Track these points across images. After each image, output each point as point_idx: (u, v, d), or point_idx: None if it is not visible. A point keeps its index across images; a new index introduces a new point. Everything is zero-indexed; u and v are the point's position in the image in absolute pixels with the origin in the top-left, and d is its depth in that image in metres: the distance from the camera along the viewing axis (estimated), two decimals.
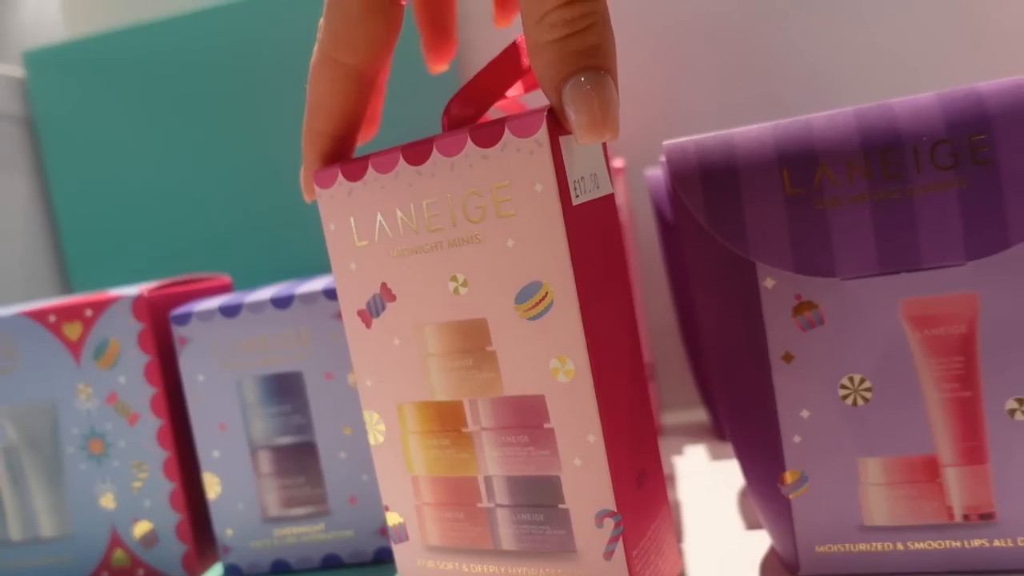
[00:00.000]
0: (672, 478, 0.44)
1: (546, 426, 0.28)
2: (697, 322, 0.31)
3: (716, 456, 0.47)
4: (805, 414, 0.29)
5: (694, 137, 0.30)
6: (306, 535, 0.40)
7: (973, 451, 0.28)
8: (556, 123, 0.27)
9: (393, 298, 0.30)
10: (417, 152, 0.29)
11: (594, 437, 0.28)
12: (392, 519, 0.32)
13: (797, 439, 0.29)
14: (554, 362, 0.28)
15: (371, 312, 0.31)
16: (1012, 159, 0.26)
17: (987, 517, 0.28)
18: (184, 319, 0.40)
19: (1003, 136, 0.26)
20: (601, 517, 0.28)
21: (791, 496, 0.30)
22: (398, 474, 0.31)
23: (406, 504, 0.31)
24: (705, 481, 0.43)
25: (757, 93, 0.55)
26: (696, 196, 0.29)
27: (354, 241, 0.30)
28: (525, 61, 0.30)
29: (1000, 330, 0.27)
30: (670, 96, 0.57)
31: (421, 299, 0.29)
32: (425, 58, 0.38)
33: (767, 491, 0.30)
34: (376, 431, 0.32)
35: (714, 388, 0.31)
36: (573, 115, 0.25)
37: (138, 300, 0.41)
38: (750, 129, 0.29)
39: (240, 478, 0.40)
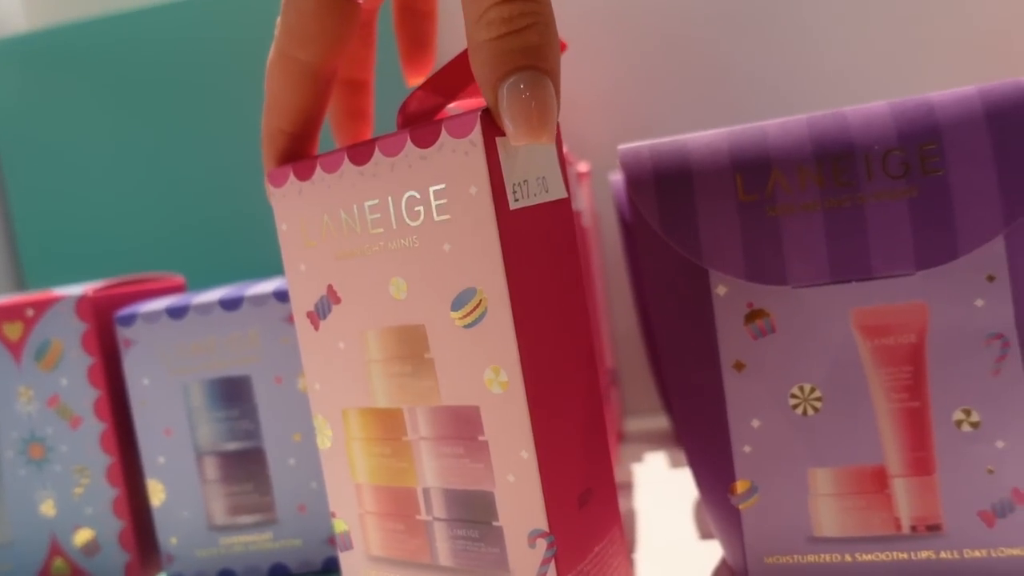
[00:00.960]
0: (629, 485, 0.44)
1: (480, 438, 0.27)
2: (653, 328, 0.30)
3: (676, 464, 0.47)
4: (756, 423, 0.29)
5: (650, 142, 0.30)
6: (253, 544, 0.39)
7: (921, 462, 0.27)
8: (492, 124, 0.26)
9: (338, 300, 0.29)
10: (361, 152, 0.28)
11: (527, 453, 0.26)
12: (339, 526, 0.31)
13: (747, 449, 0.29)
14: (488, 372, 0.27)
15: (319, 314, 0.30)
16: (961, 169, 0.26)
17: (934, 529, 0.28)
18: (129, 320, 0.39)
19: (953, 146, 0.26)
20: (533, 537, 0.27)
21: (741, 506, 0.29)
22: (344, 481, 0.30)
23: (351, 512, 0.31)
24: (662, 489, 0.43)
25: (725, 100, 0.55)
26: (650, 201, 0.29)
27: (304, 241, 0.30)
28: None
29: (948, 340, 0.27)
30: (639, 100, 0.56)
31: (364, 303, 0.29)
32: (403, 69, 0.37)
33: (717, 501, 0.30)
34: (324, 436, 0.31)
35: (668, 395, 0.31)
36: (507, 117, 0.24)
37: (82, 300, 0.40)
38: (705, 134, 0.29)
39: (185, 485, 0.39)
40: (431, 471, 0.29)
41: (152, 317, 0.39)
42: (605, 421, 0.30)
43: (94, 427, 0.40)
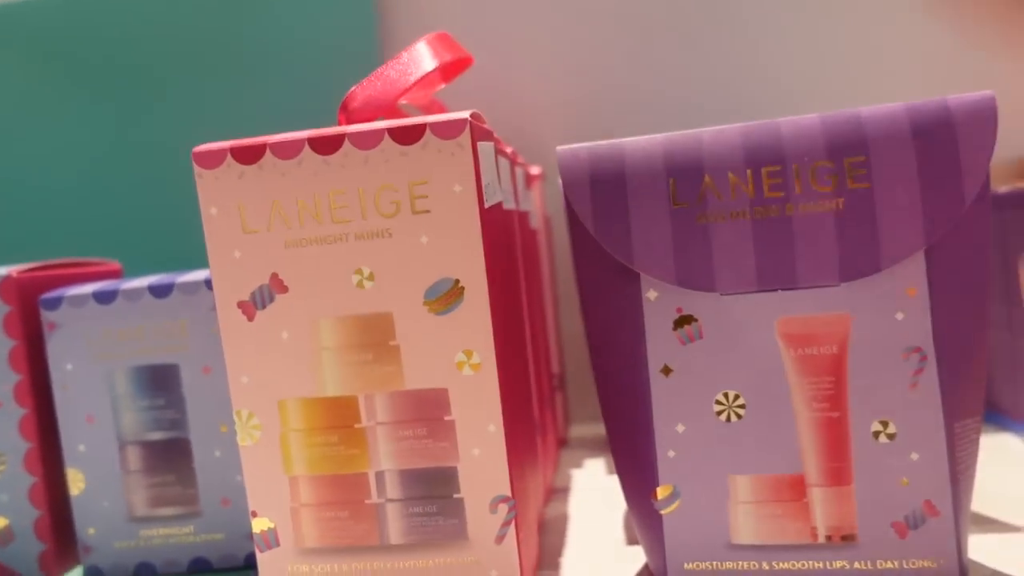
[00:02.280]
0: (566, 490, 0.45)
1: (447, 418, 0.29)
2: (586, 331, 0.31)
3: (614, 470, 0.48)
4: (680, 428, 0.30)
5: (588, 144, 0.30)
6: (174, 537, 0.37)
7: (839, 472, 0.29)
8: (477, 129, 0.27)
9: (285, 290, 0.29)
10: (326, 142, 0.28)
11: (494, 427, 0.28)
12: (260, 525, 0.30)
13: (671, 454, 0.30)
14: (460, 356, 0.28)
15: (255, 304, 0.29)
16: (886, 184, 0.28)
17: (849, 539, 0.29)
18: (54, 303, 0.37)
19: (879, 160, 0.28)
20: (496, 503, 0.29)
21: (663, 511, 0.30)
22: (272, 476, 0.30)
23: (279, 507, 0.30)
24: (598, 495, 0.44)
25: (677, 105, 0.57)
26: (585, 203, 0.30)
27: (241, 228, 0.29)
28: (423, 67, 0.30)
29: (868, 352, 0.28)
30: (594, 103, 0.58)
31: (318, 292, 0.29)
32: None
33: (641, 505, 0.31)
34: (249, 431, 0.30)
35: (600, 402, 0.32)
36: None
37: (5, 281, 0.38)
38: (642, 139, 0.30)
39: (106, 474, 0.37)
40: (387, 454, 0.29)
41: (78, 301, 0.37)
42: (533, 405, 0.32)
43: (14, 412, 0.38)
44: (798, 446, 0.29)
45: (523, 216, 0.44)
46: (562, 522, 0.40)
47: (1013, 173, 0.55)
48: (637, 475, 0.31)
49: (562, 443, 0.54)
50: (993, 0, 0.54)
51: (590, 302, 0.31)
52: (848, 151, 0.28)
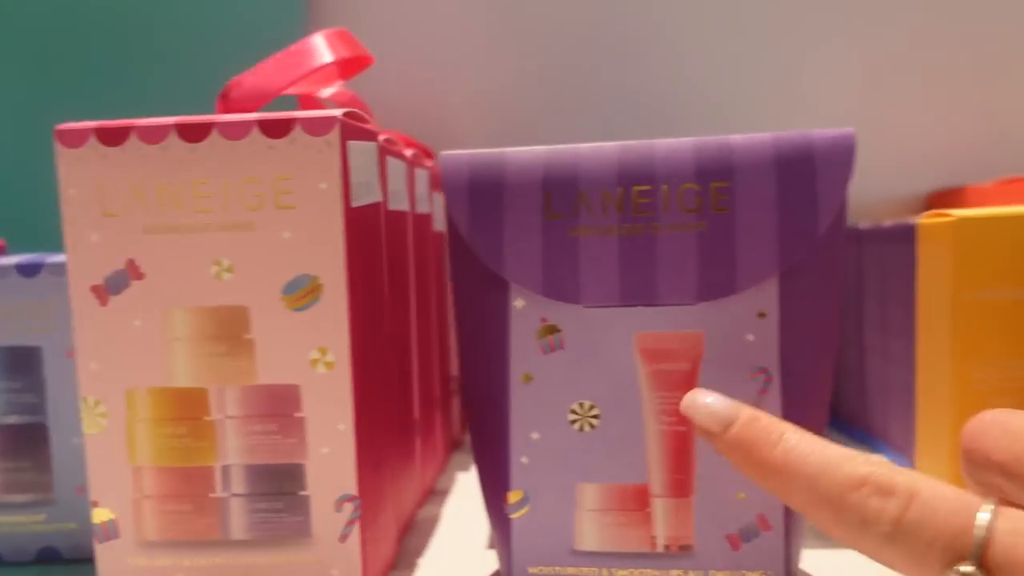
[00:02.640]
0: (446, 492, 0.45)
1: (297, 415, 0.28)
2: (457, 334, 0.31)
3: None
4: (535, 436, 0.30)
5: (471, 151, 0.31)
6: (22, 525, 0.36)
7: (681, 484, 0.30)
8: (347, 128, 0.27)
9: (140, 276, 0.28)
10: (193, 129, 0.28)
11: (344, 426, 0.28)
12: (100, 516, 0.30)
13: (525, 460, 0.30)
14: (314, 353, 0.28)
15: (109, 289, 0.29)
16: (746, 210, 0.29)
17: (686, 549, 0.30)
18: None
19: (742, 188, 0.29)
20: (342, 502, 0.29)
21: (512, 516, 0.31)
22: (116, 466, 0.29)
23: (121, 498, 0.29)
24: (475, 499, 0.44)
25: (596, 114, 0.58)
26: (462, 209, 0.30)
27: (100, 210, 0.28)
28: (313, 62, 0.30)
29: (718, 370, 0.30)
30: (514, 110, 0.58)
31: (174, 280, 0.28)
32: None
33: (495, 510, 0.31)
34: (95, 418, 0.29)
35: (465, 405, 0.32)
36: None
37: None
38: (525, 150, 0.30)
39: None
40: (234, 449, 0.29)
41: None
42: (392, 405, 0.33)
43: None
44: (645, 458, 0.30)
45: (422, 218, 0.44)
46: (432, 524, 0.40)
47: (917, 207, 0.58)
48: (492, 479, 0.31)
49: (456, 445, 0.54)
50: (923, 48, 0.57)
51: (461, 307, 0.31)
52: (714, 176, 0.29)
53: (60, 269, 0.35)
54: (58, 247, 0.56)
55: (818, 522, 0.22)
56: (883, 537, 0.21)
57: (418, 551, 0.36)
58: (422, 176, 0.44)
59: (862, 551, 0.22)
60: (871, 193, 0.57)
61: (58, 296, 0.35)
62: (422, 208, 0.44)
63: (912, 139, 0.57)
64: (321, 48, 0.32)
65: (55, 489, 0.36)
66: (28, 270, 0.35)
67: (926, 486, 0.21)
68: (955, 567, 0.19)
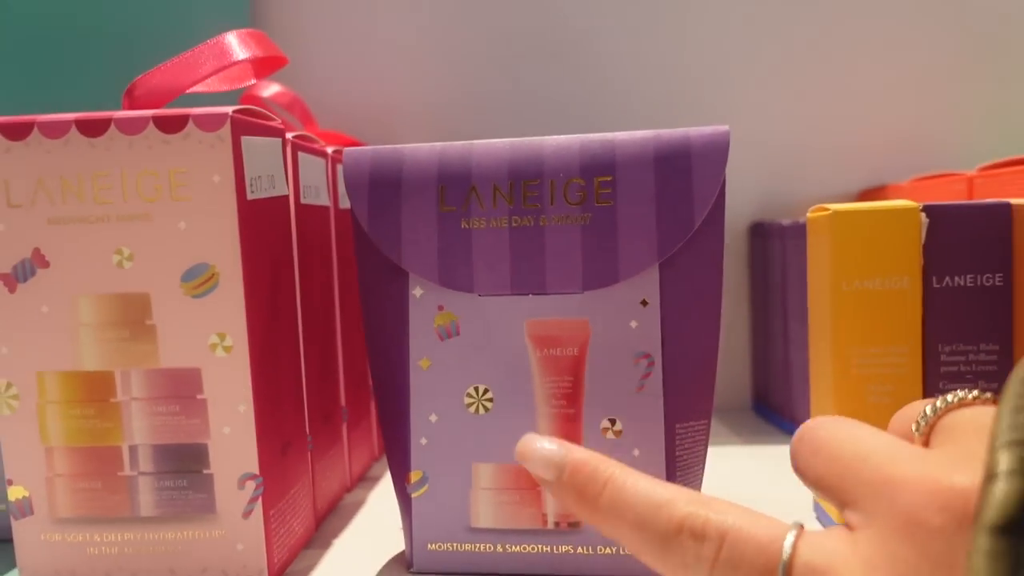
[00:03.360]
0: (376, 479, 0.46)
1: (199, 397, 0.30)
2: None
3: None
4: (433, 418, 0.32)
5: (372, 147, 0.32)
6: None
7: None
8: (240, 124, 0.29)
9: (46, 265, 0.30)
10: (93, 124, 0.29)
11: (244, 407, 0.30)
12: (15, 493, 0.31)
13: (424, 441, 0.32)
14: (213, 338, 0.30)
15: (17, 277, 0.30)
16: (627, 203, 0.30)
17: (574, 526, 0.32)
18: None
19: (623, 182, 0.30)
20: (244, 480, 0.30)
21: (413, 495, 0.32)
22: (28, 446, 0.31)
23: (35, 477, 0.31)
24: None
25: (532, 115, 0.59)
26: (363, 203, 0.32)
27: (6, 201, 0.30)
28: (224, 60, 0.31)
29: (604, 355, 0.31)
30: (453, 110, 0.60)
31: (79, 269, 0.30)
32: None
33: (399, 489, 0.33)
34: (7, 401, 0.31)
35: (372, 387, 0.33)
36: None
37: None
38: (422, 146, 0.32)
39: None
40: (140, 429, 0.30)
41: None
42: (303, 389, 0.35)
43: None
44: None
45: (346, 214, 0.45)
46: (356, 508, 0.42)
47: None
48: (396, 460, 0.33)
49: None
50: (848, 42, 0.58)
51: (365, 296, 0.32)
52: (598, 171, 0.31)
53: None
54: None
55: (649, 564, 0.24)
56: None
57: (336, 532, 0.38)
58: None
59: None
60: (807, 191, 0.59)
61: None
62: (347, 204, 0.45)
63: (846, 138, 0.58)
64: (233, 47, 0.33)
65: None
66: None
67: (735, 524, 0.22)
68: None
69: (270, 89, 0.53)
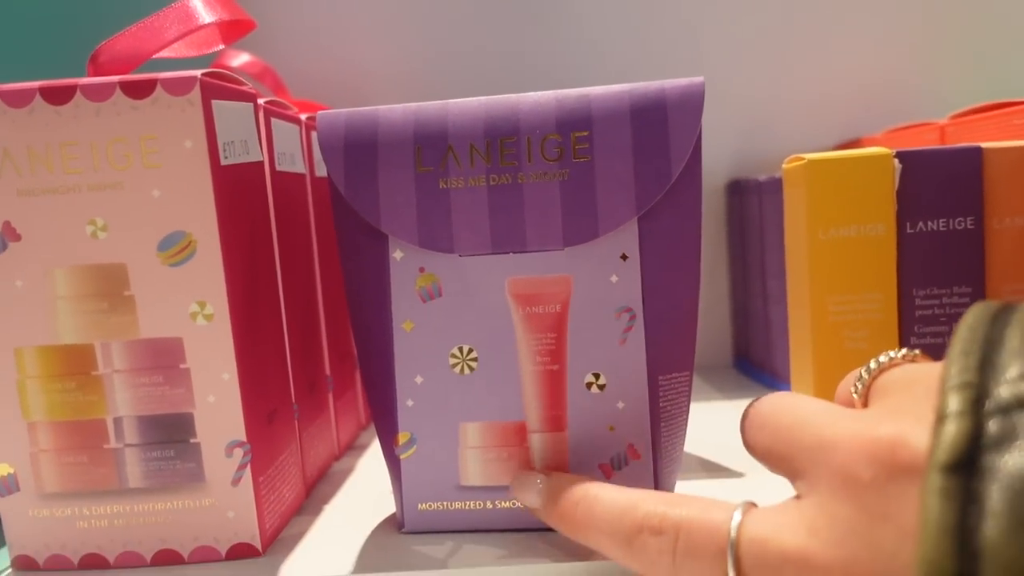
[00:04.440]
0: (365, 447, 0.47)
1: (182, 366, 0.30)
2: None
3: None
4: (419, 380, 0.32)
5: (346, 110, 0.32)
6: None
7: (556, 419, 0.32)
8: (210, 88, 0.28)
9: (18, 238, 0.29)
10: (58, 92, 0.28)
11: (228, 375, 0.30)
12: (0, 470, 0.31)
13: (410, 403, 0.32)
14: (194, 306, 0.29)
15: None
16: (605, 158, 0.30)
17: None
18: None
19: (600, 137, 0.30)
20: (231, 447, 0.30)
21: (401, 456, 0.33)
22: (11, 422, 0.31)
23: (19, 453, 0.31)
24: None
25: (509, 77, 0.59)
26: (338, 167, 0.31)
27: None
28: (190, 24, 0.31)
29: (586, 311, 0.31)
30: (428, 75, 0.59)
31: (52, 241, 0.29)
32: None
33: (387, 452, 0.33)
34: None
35: (356, 352, 0.33)
36: None
37: None
38: (396, 107, 0.31)
39: None
40: (124, 401, 0.30)
41: None
42: (287, 356, 0.34)
43: None
44: (522, 396, 0.32)
45: (323, 182, 0.45)
46: (345, 475, 0.42)
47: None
48: (383, 423, 0.33)
49: None
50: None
51: (345, 260, 0.32)
52: (575, 126, 0.31)
53: None
54: None
55: (625, 566, 0.26)
56: (669, 571, 0.23)
57: (326, 498, 0.38)
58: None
59: None
60: (782, 147, 0.59)
61: None
62: (324, 172, 0.45)
63: (819, 93, 0.58)
64: (199, 10, 0.33)
65: None
66: None
67: (687, 515, 0.23)
68: None
69: (239, 59, 0.52)
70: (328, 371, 0.43)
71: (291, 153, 0.39)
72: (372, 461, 0.44)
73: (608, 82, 0.58)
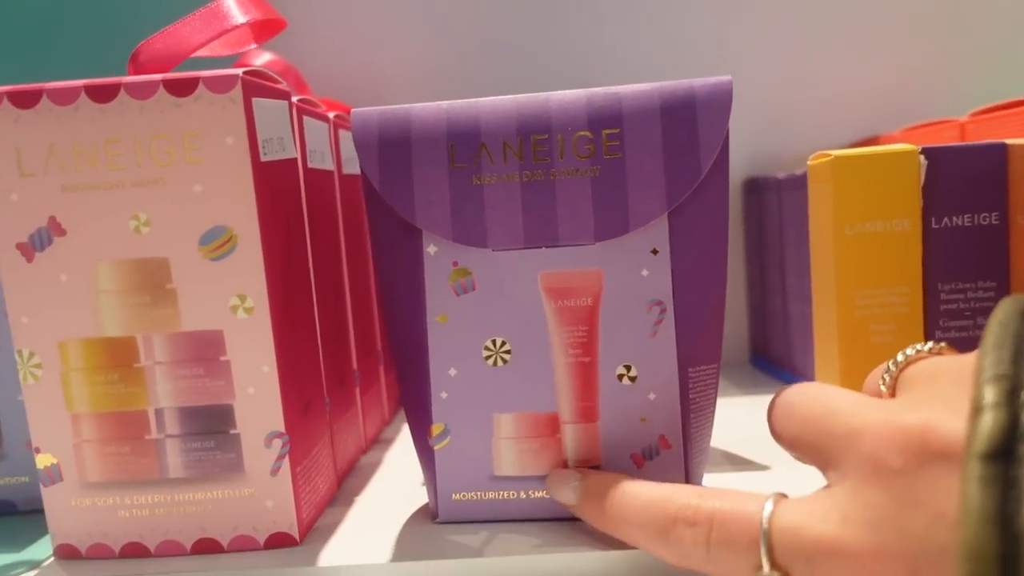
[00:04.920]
0: (390, 441, 0.47)
1: (222, 359, 0.30)
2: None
3: None
4: (453, 372, 0.33)
5: (380, 108, 0.32)
6: None
7: (588, 410, 0.32)
8: (251, 86, 0.29)
9: (63, 233, 0.30)
10: (102, 90, 0.29)
11: (268, 367, 0.30)
12: (43, 461, 0.31)
13: (444, 395, 0.33)
14: (234, 299, 0.30)
15: (34, 246, 0.30)
16: (636, 155, 0.31)
17: (594, 468, 0.32)
18: None
19: (631, 134, 0.31)
20: (270, 438, 0.31)
21: (436, 448, 0.33)
22: (54, 413, 0.31)
23: (62, 444, 0.31)
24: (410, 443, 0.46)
25: (524, 76, 0.60)
26: (373, 163, 0.32)
27: (18, 170, 0.30)
28: (224, 24, 0.31)
29: (617, 304, 0.32)
30: (447, 74, 0.60)
31: (96, 235, 0.30)
32: None
33: (420, 443, 0.33)
34: (30, 370, 0.31)
35: (389, 346, 0.34)
36: None
37: None
38: (429, 105, 0.32)
39: None
40: (165, 393, 0.31)
41: None
42: (320, 350, 0.35)
43: None
44: (554, 388, 0.32)
45: (352, 179, 0.45)
46: (373, 468, 0.42)
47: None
48: (416, 415, 0.33)
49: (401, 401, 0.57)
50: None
51: (379, 256, 0.33)
52: (606, 124, 0.31)
53: None
54: None
55: (659, 557, 0.26)
56: (704, 561, 0.24)
57: (356, 491, 0.39)
58: (350, 138, 0.46)
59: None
60: (799, 145, 0.59)
61: None
62: (351, 170, 0.45)
63: (836, 90, 0.59)
64: (233, 10, 0.33)
65: (4, 445, 0.38)
66: None
67: (721, 507, 0.24)
68: (759, 572, 0.22)
69: (262, 57, 0.52)
70: (355, 366, 0.44)
71: (321, 151, 0.39)
72: (399, 455, 0.44)
73: (625, 82, 0.59)
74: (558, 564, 0.30)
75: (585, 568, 0.30)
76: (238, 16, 0.34)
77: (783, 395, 0.26)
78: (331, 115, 0.42)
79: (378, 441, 0.48)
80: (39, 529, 0.36)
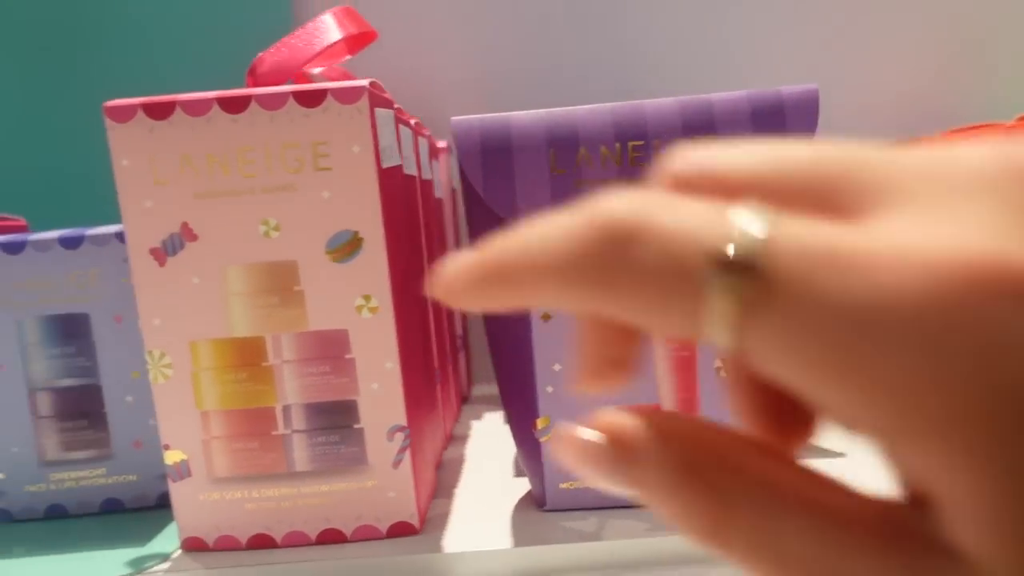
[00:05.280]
0: (465, 437, 0.49)
1: (347, 356, 0.32)
2: None
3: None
4: (557, 367, 0.34)
5: (479, 116, 0.34)
6: (85, 479, 0.39)
7: (688, 402, 0.34)
8: (375, 97, 0.30)
9: (195, 238, 0.31)
10: (234, 102, 0.31)
11: (391, 364, 0.32)
12: (172, 457, 0.33)
13: (549, 389, 0.34)
14: (359, 300, 0.31)
15: (166, 251, 0.32)
16: None
17: None
18: None
19: (723, 139, 0.33)
20: (393, 432, 0.32)
21: (542, 439, 0.35)
22: (184, 411, 0.32)
23: (191, 440, 0.33)
24: (493, 440, 0.48)
25: (569, 83, 0.61)
26: (476, 169, 0.34)
27: (152, 179, 0.31)
28: (326, 38, 0.33)
29: None
30: (500, 83, 0.61)
31: (227, 240, 0.31)
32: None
33: (523, 436, 0.35)
34: (160, 369, 0.32)
35: (489, 346, 0.35)
36: None
37: None
38: (527, 113, 0.34)
39: (15, 420, 0.39)
40: (292, 390, 0.32)
41: None
42: (432, 349, 0.36)
43: None
44: (655, 380, 0.34)
45: (427, 184, 0.47)
46: (458, 462, 0.44)
47: None
48: (521, 409, 0.35)
49: (465, 399, 0.58)
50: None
51: None
52: (700, 130, 0.33)
53: (102, 240, 0.38)
54: (81, 223, 0.58)
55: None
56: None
57: (452, 483, 0.40)
58: (423, 145, 0.47)
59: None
60: None
61: (101, 265, 0.38)
62: (426, 175, 0.47)
63: (876, 96, 0.60)
64: (331, 26, 0.35)
65: (112, 445, 0.39)
66: (70, 242, 0.38)
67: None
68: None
69: (318, 67, 0.54)
70: (436, 364, 0.45)
71: (409, 157, 0.41)
72: (478, 450, 0.46)
73: (660, 92, 0.60)
74: (676, 545, 0.31)
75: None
76: (335, 32, 0.35)
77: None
78: (412, 121, 0.44)
79: (452, 438, 0.49)
80: (152, 525, 0.37)
